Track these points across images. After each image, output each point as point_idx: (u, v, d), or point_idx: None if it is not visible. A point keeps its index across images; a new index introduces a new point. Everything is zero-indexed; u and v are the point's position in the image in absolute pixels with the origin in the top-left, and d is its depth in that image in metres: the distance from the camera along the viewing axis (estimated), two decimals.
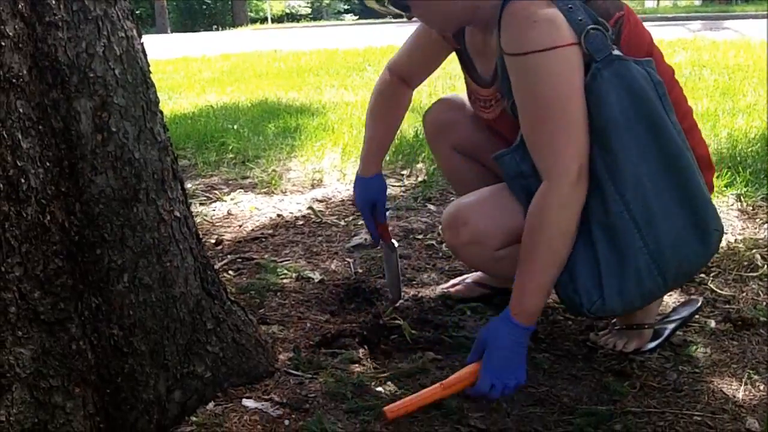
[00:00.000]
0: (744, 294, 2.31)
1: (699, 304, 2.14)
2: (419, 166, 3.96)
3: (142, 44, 1.63)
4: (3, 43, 1.34)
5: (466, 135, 2.21)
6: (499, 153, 1.84)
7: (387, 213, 2.38)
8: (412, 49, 2.21)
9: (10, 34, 1.35)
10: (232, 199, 3.56)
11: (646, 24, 1.87)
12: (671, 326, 2.04)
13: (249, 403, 1.77)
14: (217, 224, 3.22)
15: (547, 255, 1.72)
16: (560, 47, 1.64)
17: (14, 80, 1.37)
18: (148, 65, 1.65)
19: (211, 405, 1.75)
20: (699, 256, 1.74)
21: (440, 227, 2.00)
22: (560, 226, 1.70)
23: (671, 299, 2.26)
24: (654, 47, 1.83)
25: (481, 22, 1.85)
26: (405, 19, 1.93)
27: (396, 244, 2.38)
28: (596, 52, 1.65)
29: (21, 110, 1.38)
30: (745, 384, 1.84)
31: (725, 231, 2.72)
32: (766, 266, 2.48)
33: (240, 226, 3.17)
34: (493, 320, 1.82)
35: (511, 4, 1.67)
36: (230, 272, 2.63)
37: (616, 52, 1.67)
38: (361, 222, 3.12)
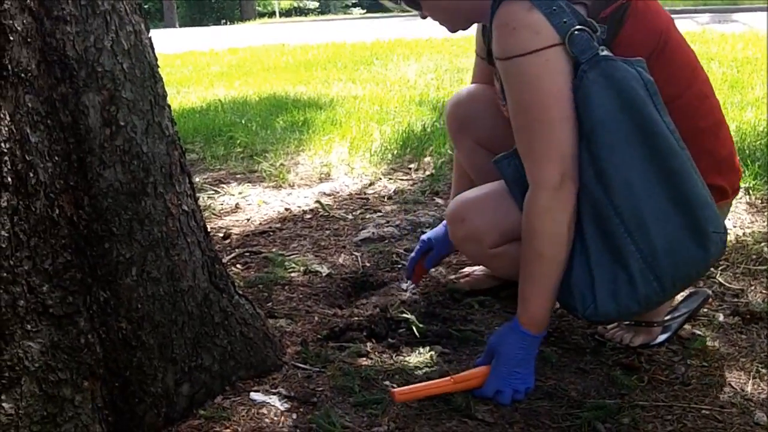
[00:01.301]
0: (753, 287, 2.30)
1: (706, 295, 2.13)
2: (427, 159, 3.95)
3: (149, 38, 1.63)
4: (11, 38, 1.35)
5: (490, 128, 2.19)
6: (497, 157, 1.85)
7: (430, 258, 2.36)
8: (474, 74, 2.29)
9: (19, 28, 1.36)
10: (240, 193, 3.57)
11: None
12: (679, 320, 2.03)
13: (257, 396, 1.77)
14: (225, 218, 3.22)
15: (540, 261, 1.73)
16: (540, 50, 1.64)
17: (23, 75, 1.37)
18: (156, 59, 1.65)
19: (219, 398, 1.76)
20: (697, 259, 1.68)
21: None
22: (547, 233, 1.71)
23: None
24: (672, 33, 1.81)
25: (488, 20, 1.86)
26: (414, 13, 1.95)
27: (415, 288, 2.39)
28: (581, 53, 1.64)
29: (29, 105, 1.39)
30: (754, 378, 1.84)
31: (734, 225, 2.73)
32: None
33: (248, 220, 3.17)
34: (502, 327, 1.83)
35: (499, 9, 1.69)
36: (238, 266, 2.63)
37: (604, 52, 1.66)
38: (368, 215, 3.13)
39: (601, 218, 1.68)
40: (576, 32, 1.64)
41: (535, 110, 1.68)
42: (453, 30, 1.98)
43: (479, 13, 1.84)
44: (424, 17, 1.95)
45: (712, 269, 2.41)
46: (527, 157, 1.73)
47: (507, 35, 1.68)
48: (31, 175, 1.39)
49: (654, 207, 1.65)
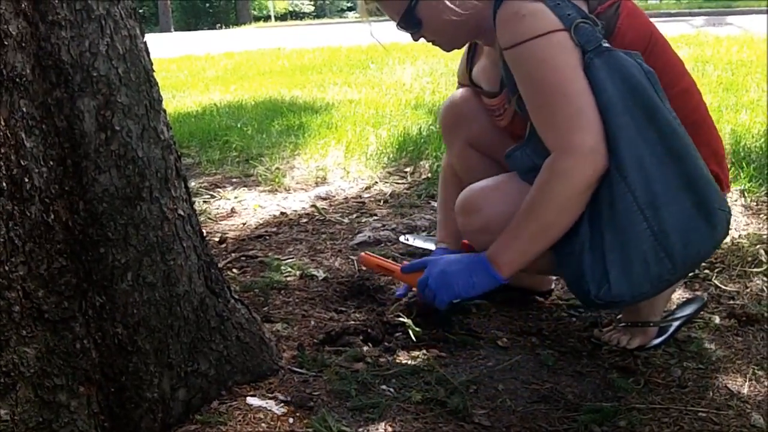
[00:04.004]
0: (748, 290, 2.30)
1: (704, 301, 2.13)
2: (423, 163, 3.96)
3: (145, 43, 1.63)
4: (6, 43, 1.34)
5: (484, 129, 2.21)
6: (508, 151, 1.86)
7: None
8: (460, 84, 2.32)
9: (13, 33, 1.35)
10: (235, 197, 3.57)
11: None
12: (676, 323, 2.03)
13: (253, 401, 1.77)
14: (220, 222, 3.22)
15: (537, 224, 1.75)
16: (550, 32, 1.68)
17: (17, 79, 1.37)
18: (151, 63, 1.65)
19: (215, 403, 1.76)
20: (706, 237, 1.70)
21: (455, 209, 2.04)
22: (556, 199, 1.71)
23: (676, 296, 2.25)
24: (659, 36, 1.84)
25: (487, 32, 1.87)
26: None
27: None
28: (586, 42, 1.69)
29: (24, 109, 1.38)
30: (750, 380, 1.84)
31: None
32: None
33: (244, 224, 3.17)
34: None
35: (504, 2, 1.73)
36: (234, 270, 2.63)
37: (605, 44, 1.70)
38: (364, 219, 3.12)
39: (614, 197, 1.68)
40: (581, 23, 1.69)
41: (556, 85, 1.70)
42: (449, 49, 2.00)
43: (479, 24, 1.87)
44: (416, 39, 1.97)
45: (707, 271, 2.41)
46: (551, 130, 1.73)
47: (516, 22, 1.71)
48: (26, 180, 1.39)
49: (664, 185, 1.67)
